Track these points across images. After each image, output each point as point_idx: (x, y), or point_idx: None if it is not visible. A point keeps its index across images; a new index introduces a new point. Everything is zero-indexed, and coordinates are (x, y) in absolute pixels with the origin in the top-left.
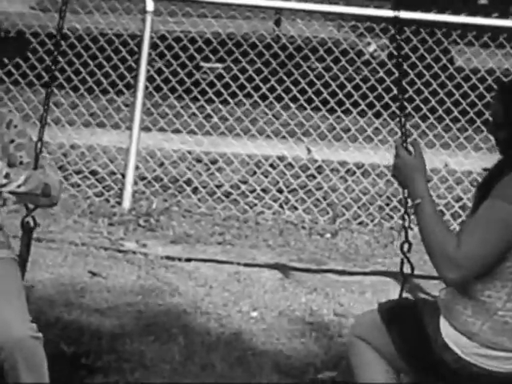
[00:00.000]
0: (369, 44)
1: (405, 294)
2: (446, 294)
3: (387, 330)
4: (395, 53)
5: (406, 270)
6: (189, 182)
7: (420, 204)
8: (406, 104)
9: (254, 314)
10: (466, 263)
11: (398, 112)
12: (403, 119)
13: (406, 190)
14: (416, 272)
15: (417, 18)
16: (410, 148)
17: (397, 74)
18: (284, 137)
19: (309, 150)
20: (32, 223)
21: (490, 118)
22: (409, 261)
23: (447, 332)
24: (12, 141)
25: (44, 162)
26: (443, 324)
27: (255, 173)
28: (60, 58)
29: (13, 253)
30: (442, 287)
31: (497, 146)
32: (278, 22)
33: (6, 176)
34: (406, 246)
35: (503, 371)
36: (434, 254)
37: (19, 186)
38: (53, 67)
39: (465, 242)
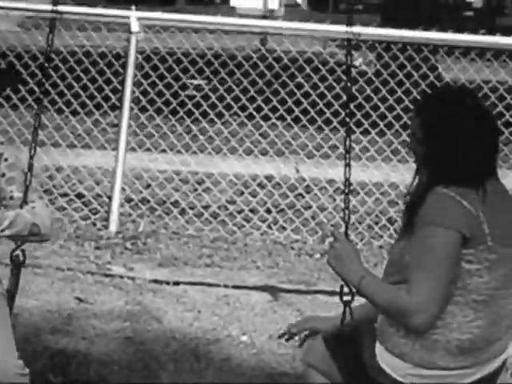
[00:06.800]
0: (355, 59)
1: None
2: (380, 319)
3: (332, 357)
4: (382, 70)
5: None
6: (176, 204)
7: (364, 281)
8: (394, 122)
9: (244, 338)
10: (424, 307)
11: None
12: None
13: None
14: None
15: (401, 35)
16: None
17: (384, 91)
18: (271, 156)
19: (297, 170)
20: (21, 257)
21: (410, 133)
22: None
23: (382, 356)
24: (3, 175)
25: (35, 196)
26: (379, 349)
27: (243, 193)
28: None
29: (1, 287)
30: None
31: (415, 162)
32: (263, 41)
33: None
34: None
35: None
36: (393, 314)
37: (3, 231)
38: (41, 94)
39: (414, 288)
